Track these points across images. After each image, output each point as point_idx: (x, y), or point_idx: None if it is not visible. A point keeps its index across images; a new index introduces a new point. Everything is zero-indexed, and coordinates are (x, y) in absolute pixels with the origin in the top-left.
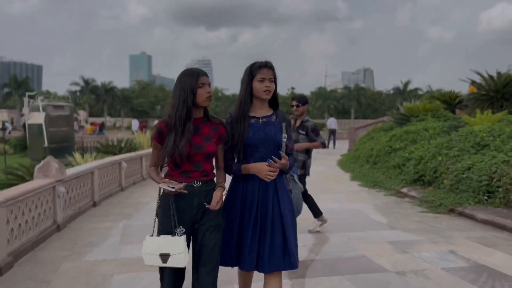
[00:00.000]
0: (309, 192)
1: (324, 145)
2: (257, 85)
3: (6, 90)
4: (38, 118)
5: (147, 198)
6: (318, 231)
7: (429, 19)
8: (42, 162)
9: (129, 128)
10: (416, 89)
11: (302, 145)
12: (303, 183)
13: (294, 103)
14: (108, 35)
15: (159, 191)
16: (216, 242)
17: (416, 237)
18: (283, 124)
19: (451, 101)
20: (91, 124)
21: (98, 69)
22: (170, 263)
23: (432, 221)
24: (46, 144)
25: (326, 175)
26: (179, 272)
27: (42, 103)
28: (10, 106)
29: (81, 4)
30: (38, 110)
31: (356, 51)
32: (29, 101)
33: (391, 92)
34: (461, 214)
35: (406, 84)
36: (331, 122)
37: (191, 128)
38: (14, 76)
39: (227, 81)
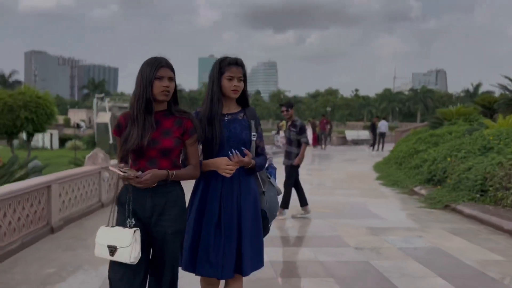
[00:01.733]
0: (324, 187)
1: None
2: (225, 83)
3: (85, 91)
4: (104, 117)
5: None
6: (300, 217)
7: (510, 17)
8: (91, 153)
9: None
10: (488, 92)
11: (299, 157)
12: (297, 173)
13: (283, 109)
14: (179, 38)
15: (117, 182)
16: (175, 250)
17: (395, 225)
18: (252, 122)
19: (489, 106)
20: None
21: None
22: (117, 257)
23: (423, 214)
24: (111, 141)
25: (355, 175)
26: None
27: (108, 104)
28: (88, 106)
29: (156, 9)
30: (104, 110)
31: (429, 51)
32: (97, 102)
33: (461, 94)
34: (454, 210)
35: (477, 86)
36: (382, 125)
37: (153, 122)
38: (92, 79)
39: (291, 83)
